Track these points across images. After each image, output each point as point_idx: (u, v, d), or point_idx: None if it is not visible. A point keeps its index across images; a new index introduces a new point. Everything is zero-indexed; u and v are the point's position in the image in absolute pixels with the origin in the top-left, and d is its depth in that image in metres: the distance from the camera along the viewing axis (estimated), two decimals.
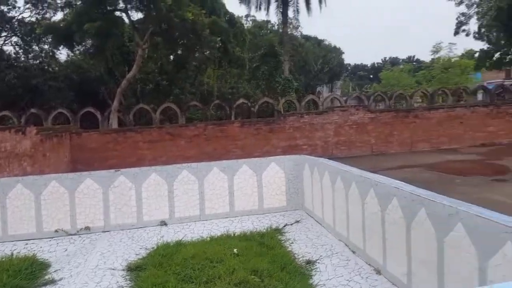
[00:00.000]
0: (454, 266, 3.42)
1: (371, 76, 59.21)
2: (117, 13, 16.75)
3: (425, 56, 70.26)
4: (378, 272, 4.64)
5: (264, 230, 6.45)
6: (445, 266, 3.53)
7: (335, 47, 36.97)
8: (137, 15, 16.94)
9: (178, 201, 6.89)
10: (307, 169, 7.21)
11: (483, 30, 23.98)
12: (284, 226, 6.72)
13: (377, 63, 64.74)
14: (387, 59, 62.58)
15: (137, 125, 15.98)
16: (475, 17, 24.67)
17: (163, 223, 6.86)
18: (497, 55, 23.75)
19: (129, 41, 18.49)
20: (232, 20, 17.86)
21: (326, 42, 36.46)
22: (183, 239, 6.17)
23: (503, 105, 16.57)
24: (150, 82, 17.62)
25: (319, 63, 31.83)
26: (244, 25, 25.88)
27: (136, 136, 14.33)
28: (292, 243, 5.99)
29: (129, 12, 16.32)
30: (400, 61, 58.39)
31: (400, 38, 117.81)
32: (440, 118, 15.99)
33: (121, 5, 16.15)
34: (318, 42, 35.36)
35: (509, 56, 23.80)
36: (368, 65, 66.94)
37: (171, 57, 17.68)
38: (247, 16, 28.94)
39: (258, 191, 7.23)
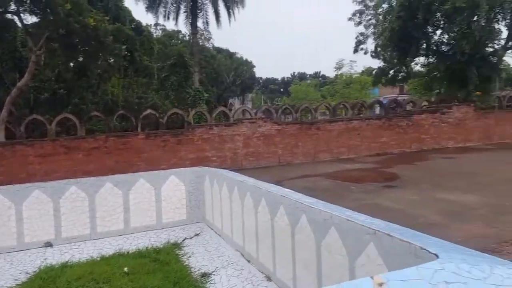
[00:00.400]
0: (329, 268, 3.62)
1: (282, 89, 61.88)
2: (8, 16, 15.23)
3: (330, 72, 75.41)
4: (269, 279, 4.75)
5: (161, 246, 6.25)
6: (323, 268, 3.72)
7: (246, 60, 37.99)
8: (31, 19, 15.56)
9: (65, 220, 6.36)
10: (207, 181, 7.18)
11: (378, 49, 26.29)
12: (184, 240, 6.58)
13: (287, 77, 67.98)
14: (295, 74, 66.03)
15: (30, 137, 14.53)
16: (372, 37, 26.96)
17: (48, 244, 6.27)
18: (391, 72, 26.17)
19: (22, 47, 16.88)
20: (139, 28, 17.34)
21: (238, 55, 37.37)
22: (69, 261, 5.70)
23: (394, 118, 18.31)
24: (45, 90, 16.18)
25: (231, 75, 32.35)
26: (154, 34, 25.30)
27: (26, 149, 13.00)
28: (190, 256, 5.89)
29: (22, 15, 14.92)
30: (308, 76, 62.00)
31: (308, 54, 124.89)
32: (339, 130, 17.16)
33: (13, 7, 14.71)
34: (230, 55, 35.99)
35: (401, 74, 26.41)
36: (279, 79, 70.00)
37: (71, 64, 16.51)
38: (156, 25, 28.40)
39: (156, 205, 6.99)
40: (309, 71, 78.01)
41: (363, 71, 38.54)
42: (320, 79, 53.59)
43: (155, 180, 6.99)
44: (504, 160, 14.74)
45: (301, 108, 19.51)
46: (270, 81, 64.48)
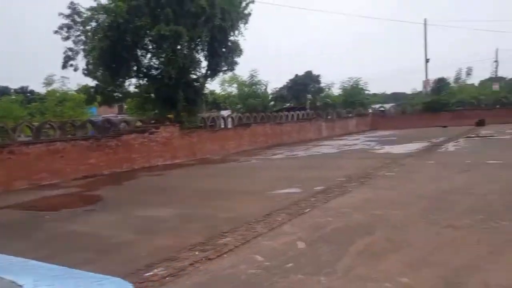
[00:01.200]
0: None
1: None
2: None
3: (41, 88, 67.93)
4: None
5: None
6: None
7: None
8: None
9: None
10: None
11: (90, 67, 25.04)
12: None
13: None
14: None
15: None
16: (82, 54, 25.35)
17: None
18: (106, 91, 25.47)
19: None
20: None
21: None
22: None
23: (102, 138, 17.65)
24: None
25: None
26: None
27: None
28: None
29: None
30: (12, 90, 53.61)
31: (14, 66, 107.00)
32: (40, 153, 15.01)
33: None
34: None
35: (116, 94, 26.19)
36: None
37: None
38: None
39: None
40: (14, 85, 67.52)
41: (79, 89, 36.26)
42: (28, 94, 47.22)
43: None
44: (202, 173, 16.72)
45: None
46: None
